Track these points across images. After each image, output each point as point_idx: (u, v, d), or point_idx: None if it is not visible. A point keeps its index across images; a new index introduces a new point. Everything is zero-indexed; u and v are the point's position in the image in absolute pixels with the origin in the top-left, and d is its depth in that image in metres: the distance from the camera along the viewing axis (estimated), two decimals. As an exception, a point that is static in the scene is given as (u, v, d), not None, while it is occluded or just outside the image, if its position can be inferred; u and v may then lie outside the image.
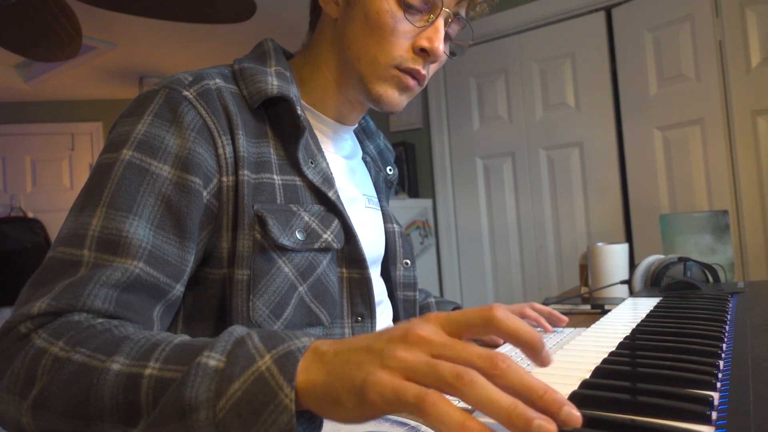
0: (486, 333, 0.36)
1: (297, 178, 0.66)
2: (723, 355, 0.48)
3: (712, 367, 0.43)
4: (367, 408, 0.33)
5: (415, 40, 0.67)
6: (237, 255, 0.60)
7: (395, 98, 0.70)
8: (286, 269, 0.62)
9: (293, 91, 0.67)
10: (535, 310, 0.89)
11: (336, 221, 0.67)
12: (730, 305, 0.76)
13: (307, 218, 0.64)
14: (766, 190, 1.93)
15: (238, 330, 0.41)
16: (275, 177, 0.64)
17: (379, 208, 0.83)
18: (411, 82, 0.69)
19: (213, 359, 0.38)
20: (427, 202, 2.74)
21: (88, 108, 3.60)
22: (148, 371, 0.40)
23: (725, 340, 0.54)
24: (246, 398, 0.35)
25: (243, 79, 0.66)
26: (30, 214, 3.39)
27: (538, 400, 0.32)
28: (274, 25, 2.76)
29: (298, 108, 0.65)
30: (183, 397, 0.36)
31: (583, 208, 2.39)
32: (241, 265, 0.60)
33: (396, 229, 0.83)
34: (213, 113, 0.60)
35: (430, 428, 0.46)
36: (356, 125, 0.80)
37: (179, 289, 0.57)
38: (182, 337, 0.44)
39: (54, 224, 3.42)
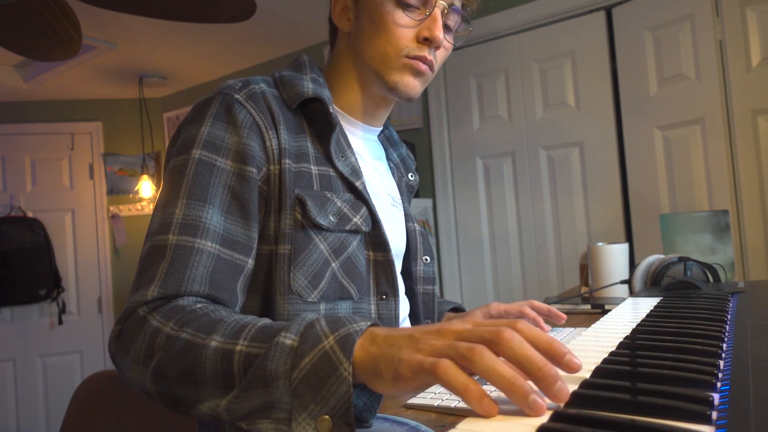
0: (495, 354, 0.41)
1: (330, 169, 0.76)
2: (723, 355, 0.48)
3: (713, 367, 0.43)
4: (399, 380, 0.42)
5: (418, 31, 0.77)
6: (280, 232, 0.70)
7: (411, 82, 0.78)
8: (321, 246, 0.71)
9: (326, 94, 0.78)
10: (534, 308, 0.90)
11: (364, 208, 0.76)
12: (731, 305, 0.76)
13: (339, 204, 0.74)
14: (767, 190, 1.93)
15: (309, 316, 0.50)
16: (312, 167, 0.74)
17: (402, 209, 0.90)
18: (423, 66, 0.77)
19: (289, 339, 0.47)
20: (427, 202, 2.74)
21: (87, 108, 3.60)
22: (238, 347, 0.49)
23: (725, 339, 0.54)
24: (314, 371, 0.44)
25: (283, 84, 0.77)
26: (30, 214, 3.39)
27: (536, 371, 0.39)
28: (274, 24, 2.75)
29: (331, 107, 0.76)
30: (266, 369, 0.46)
31: (583, 207, 2.38)
32: (283, 241, 0.70)
33: (417, 228, 0.91)
34: (260, 112, 0.71)
35: (430, 428, 0.46)
36: (382, 127, 0.90)
37: (251, 262, 0.68)
38: (264, 320, 0.53)
39: (54, 224, 3.42)
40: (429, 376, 0.40)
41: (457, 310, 1.02)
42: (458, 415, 0.51)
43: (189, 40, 2.87)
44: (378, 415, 0.51)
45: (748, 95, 1.94)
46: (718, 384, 0.40)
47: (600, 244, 1.18)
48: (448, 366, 0.39)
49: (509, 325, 0.42)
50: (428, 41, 0.76)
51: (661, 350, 0.52)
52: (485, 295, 2.63)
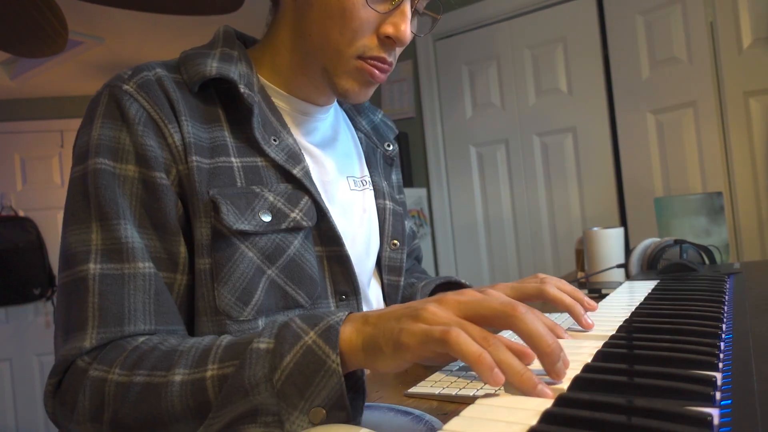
0: (504, 326, 0.41)
1: (258, 159, 0.65)
2: (723, 336, 0.48)
3: (714, 347, 0.43)
4: (401, 351, 0.40)
5: (380, 26, 0.63)
6: (196, 244, 0.59)
7: (361, 92, 0.67)
8: (250, 254, 0.60)
9: (238, 71, 0.65)
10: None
11: (306, 198, 0.65)
12: (728, 286, 0.76)
13: (272, 198, 0.63)
14: (759, 171, 1.93)
15: (280, 318, 0.48)
16: (233, 160, 0.63)
17: (371, 187, 0.79)
18: (378, 75, 0.65)
19: (263, 343, 0.44)
20: (421, 191, 2.73)
21: (76, 104, 3.56)
22: (209, 374, 0.45)
23: (725, 320, 0.54)
24: (298, 369, 0.42)
25: (184, 65, 0.65)
26: (21, 213, 3.36)
27: (545, 348, 0.40)
28: (262, 15, 2.72)
29: (242, 87, 0.63)
30: (243, 379, 0.43)
31: (577, 193, 2.39)
32: (201, 254, 0.59)
33: (388, 206, 0.79)
34: (156, 103, 0.60)
35: (434, 417, 0.46)
36: (330, 105, 0.77)
37: (179, 278, 0.59)
38: (227, 338, 0.49)
39: (46, 222, 3.39)
40: (438, 344, 0.39)
41: (448, 286, 0.85)
42: (460, 402, 0.51)
43: (177, 33, 2.84)
44: (383, 405, 0.51)
45: (739, 77, 1.94)
46: (720, 364, 0.40)
47: (595, 229, 1.18)
48: (460, 333, 0.38)
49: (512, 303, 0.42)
50: (391, 40, 0.63)
51: (660, 332, 0.52)
52: (482, 282, 2.64)
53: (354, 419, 0.44)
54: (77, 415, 0.49)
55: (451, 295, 0.43)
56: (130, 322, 0.53)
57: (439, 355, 0.41)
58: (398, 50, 0.67)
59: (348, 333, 0.43)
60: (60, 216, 3.65)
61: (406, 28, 0.63)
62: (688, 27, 2.03)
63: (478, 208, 2.65)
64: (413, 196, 2.67)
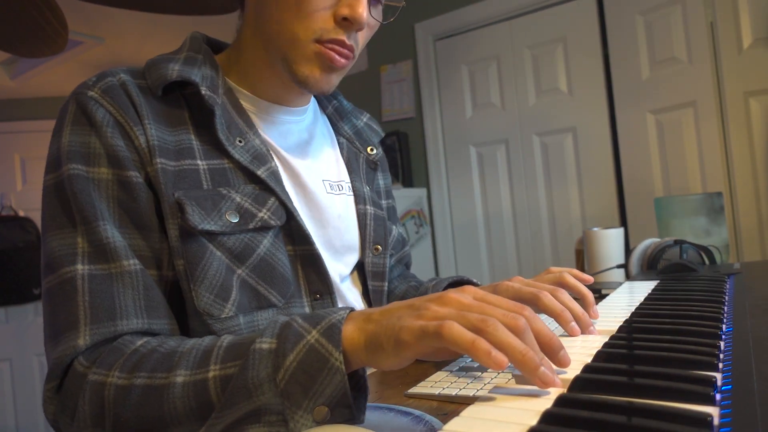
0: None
1: (224, 161, 0.65)
2: (723, 336, 0.48)
3: (714, 348, 0.43)
4: (401, 348, 0.41)
5: (336, 8, 0.62)
6: (170, 245, 0.59)
7: (322, 79, 0.66)
8: (219, 253, 0.60)
9: (201, 74, 0.65)
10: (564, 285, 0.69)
11: (272, 198, 0.65)
12: (728, 286, 0.76)
13: (239, 199, 0.63)
14: (759, 171, 1.93)
15: (282, 318, 0.47)
16: (200, 162, 0.63)
17: (351, 192, 0.79)
18: (338, 60, 0.64)
19: (265, 343, 0.44)
20: (421, 191, 2.73)
21: (76, 104, 3.56)
22: (211, 374, 0.45)
23: (724, 321, 0.54)
24: (301, 367, 0.42)
25: (149, 70, 0.65)
26: (21, 213, 3.36)
27: (548, 342, 0.42)
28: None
29: (203, 88, 0.63)
30: (246, 379, 0.43)
31: (577, 193, 2.39)
32: (176, 254, 0.59)
33: (369, 211, 0.78)
34: (120, 107, 0.60)
35: (434, 417, 0.46)
36: (305, 106, 0.77)
37: (166, 274, 0.60)
38: (228, 337, 0.49)
39: (46, 222, 3.40)
40: (434, 339, 0.39)
41: (459, 285, 0.82)
42: (460, 402, 0.51)
43: (177, 33, 2.84)
44: (383, 405, 0.51)
45: (739, 77, 1.94)
46: (720, 365, 0.40)
47: (595, 229, 1.18)
48: (453, 325, 0.39)
49: (516, 310, 0.43)
50: (348, 22, 0.62)
51: (660, 333, 0.52)
52: (482, 282, 2.64)
53: (357, 418, 0.44)
54: (78, 420, 0.49)
55: (452, 293, 0.44)
56: (122, 317, 0.53)
57: (441, 350, 0.42)
58: (359, 36, 0.66)
59: (350, 331, 0.44)
60: (60, 216, 3.65)
61: (362, 10, 0.61)
62: (688, 27, 2.03)
63: (478, 208, 2.65)
64: (413, 196, 2.67)
